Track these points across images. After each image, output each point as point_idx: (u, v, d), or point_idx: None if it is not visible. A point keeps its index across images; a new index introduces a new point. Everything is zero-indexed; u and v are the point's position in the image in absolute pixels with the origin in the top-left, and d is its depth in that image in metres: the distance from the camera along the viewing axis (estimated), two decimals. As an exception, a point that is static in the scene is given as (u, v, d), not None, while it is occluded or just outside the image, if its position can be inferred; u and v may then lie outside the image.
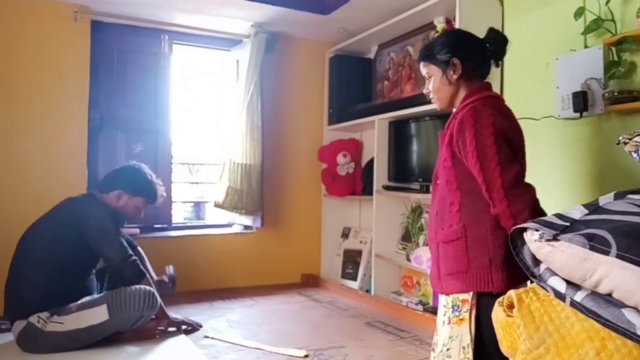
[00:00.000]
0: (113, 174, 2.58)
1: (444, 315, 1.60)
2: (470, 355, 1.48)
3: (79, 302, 2.29)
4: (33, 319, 2.20)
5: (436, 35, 2.86)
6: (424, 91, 1.78)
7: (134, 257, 2.43)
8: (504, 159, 1.47)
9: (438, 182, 1.69)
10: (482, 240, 1.50)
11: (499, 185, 1.45)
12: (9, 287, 2.31)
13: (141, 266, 2.46)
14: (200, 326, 2.63)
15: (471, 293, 1.51)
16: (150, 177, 2.59)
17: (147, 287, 2.36)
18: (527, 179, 1.54)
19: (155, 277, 2.69)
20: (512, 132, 1.57)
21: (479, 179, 1.49)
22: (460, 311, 1.54)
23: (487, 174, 1.47)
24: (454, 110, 1.70)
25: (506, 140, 1.51)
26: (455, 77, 1.65)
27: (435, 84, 1.69)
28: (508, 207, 1.43)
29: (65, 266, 2.31)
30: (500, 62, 1.72)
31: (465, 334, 1.51)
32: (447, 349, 1.54)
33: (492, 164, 1.46)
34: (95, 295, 2.40)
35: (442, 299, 1.63)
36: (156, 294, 2.39)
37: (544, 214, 1.40)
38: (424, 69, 1.73)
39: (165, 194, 2.71)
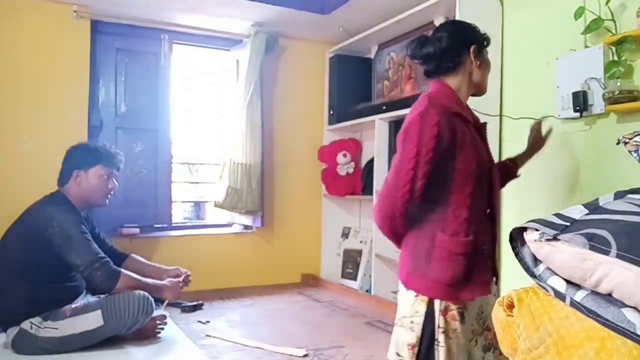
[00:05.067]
0: (62, 163, 2.46)
1: None
2: None
3: (73, 305, 2.25)
4: (25, 325, 2.17)
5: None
6: None
7: (104, 259, 2.27)
8: None
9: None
10: None
11: None
12: None
13: (113, 265, 2.30)
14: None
15: None
16: (93, 145, 2.52)
17: (142, 292, 2.30)
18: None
19: (151, 283, 2.44)
20: None
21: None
22: None
23: None
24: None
25: None
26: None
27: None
28: None
29: (41, 274, 2.23)
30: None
31: None
32: None
33: None
34: (90, 299, 2.37)
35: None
36: (151, 298, 2.30)
37: None
38: None
39: (122, 155, 2.56)
